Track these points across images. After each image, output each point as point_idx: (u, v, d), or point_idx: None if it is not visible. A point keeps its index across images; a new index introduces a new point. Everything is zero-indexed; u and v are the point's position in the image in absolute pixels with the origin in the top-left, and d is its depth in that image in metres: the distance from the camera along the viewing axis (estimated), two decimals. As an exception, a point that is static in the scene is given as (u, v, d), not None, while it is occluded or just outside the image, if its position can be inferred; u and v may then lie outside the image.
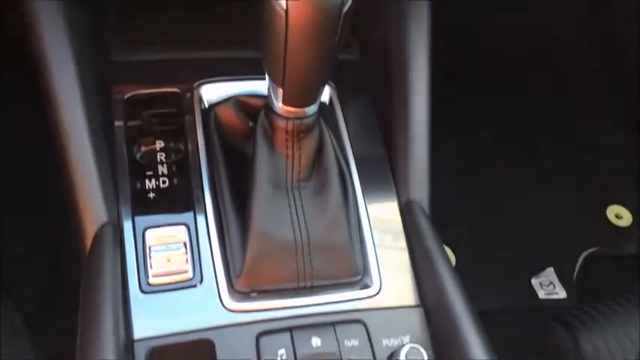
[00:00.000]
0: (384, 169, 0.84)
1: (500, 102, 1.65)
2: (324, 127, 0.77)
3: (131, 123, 0.81)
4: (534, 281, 1.41)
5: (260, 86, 0.84)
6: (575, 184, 1.60)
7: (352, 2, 0.60)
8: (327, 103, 0.88)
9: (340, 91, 0.89)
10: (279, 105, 0.69)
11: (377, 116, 0.90)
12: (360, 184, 0.81)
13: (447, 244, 1.32)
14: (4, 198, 1.26)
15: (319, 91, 0.70)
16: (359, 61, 0.95)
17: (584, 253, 1.45)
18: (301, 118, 0.71)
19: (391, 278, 0.76)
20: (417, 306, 0.75)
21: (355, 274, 0.75)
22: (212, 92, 0.85)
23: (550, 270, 1.42)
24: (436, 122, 0.87)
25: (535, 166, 1.60)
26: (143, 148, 0.79)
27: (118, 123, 0.80)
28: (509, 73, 1.68)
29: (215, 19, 0.95)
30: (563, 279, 1.41)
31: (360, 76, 0.93)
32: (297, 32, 0.60)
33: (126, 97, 0.82)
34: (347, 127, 0.86)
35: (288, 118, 0.70)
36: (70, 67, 0.75)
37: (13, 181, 1.30)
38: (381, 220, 0.79)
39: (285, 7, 0.58)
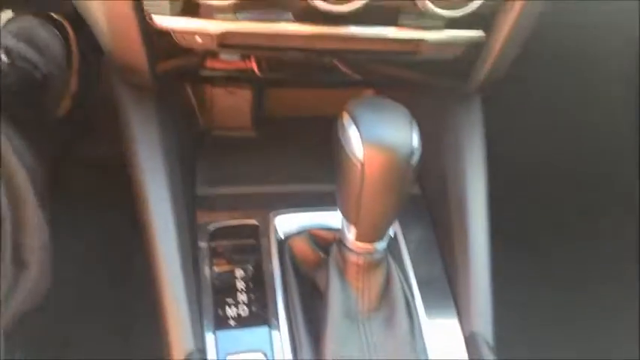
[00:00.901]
0: (447, 300, 0.88)
1: (559, 227, 1.66)
2: (391, 260, 0.83)
3: (214, 253, 0.89)
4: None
5: (330, 217, 0.92)
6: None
7: (420, 154, 0.68)
8: (392, 235, 0.94)
9: (403, 223, 0.96)
10: (351, 240, 0.76)
11: (438, 247, 0.95)
12: (425, 315, 0.85)
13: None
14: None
15: (388, 229, 0.76)
16: (420, 195, 1.03)
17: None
18: (372, 254, 0.77)
19: None
20: None
21: None
22: (287, 223, 0.93)
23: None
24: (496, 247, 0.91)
25: (594, 293, 1.58)
26: (224, 277, 0.86)
27: (203, 252, 0.88)
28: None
29: (289, 156, 1.05)
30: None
31: (421, 209, 1.00)
32: (371, 182, 0.67)
33: (209, 227, 0.91)
34: (410, 258, 0.92)
35: (359, 254, 0.77)
36: (164, 195, 0.85)
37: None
38: (446, 351, 0.83)
39: (362, 161, 0.66)
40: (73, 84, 1.40)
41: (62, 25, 1.35)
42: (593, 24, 1.16)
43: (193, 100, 1.09)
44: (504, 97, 1.07)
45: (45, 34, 1.32)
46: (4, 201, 0.76)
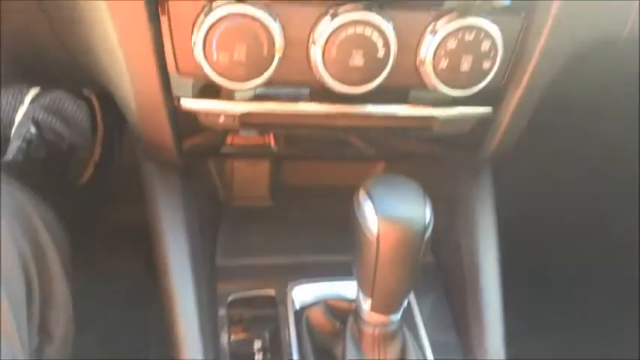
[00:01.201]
0: None
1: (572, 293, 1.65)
2: (406, 330, 0.84)
3: (232, 322, 0.91)
4: None
5: (346, 287, 0.94)
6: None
7: (432, 228, 0.71)
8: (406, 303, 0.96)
9: (417, 291, 0.97)
10: (367, 312, 0.78)
11: (452, 315, 0.97)
12: None
13: None
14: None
15: (403, 301, 0.78)
16: (433, 263, 1.05)
17: None
18: (386, 325, 0.79)
19: None
20: None
21: None
22: (304, 294, 0.95)
23: None
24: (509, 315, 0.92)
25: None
26: (242, 347, 0.88)
27: (221, 321, 0.90)
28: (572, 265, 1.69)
29: (305, 226, 1.08)
30: None
31: (434, 277, 1.02)
32: (386, 256, 0.70)
33: (228, 298, 0.93)
34: (424, 326, 0.93)
35: (375, 325, 0.79)
36: (186, 267, 0.88)
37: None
38: None
39: (376, 236, 0.69)
40: (97, 153, 1.46)
41: (89, 97, 1.42)
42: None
43: (214, 173, 1.14)
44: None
45: (73, 106, 1.38)
46: (34, 273, 0.79)
